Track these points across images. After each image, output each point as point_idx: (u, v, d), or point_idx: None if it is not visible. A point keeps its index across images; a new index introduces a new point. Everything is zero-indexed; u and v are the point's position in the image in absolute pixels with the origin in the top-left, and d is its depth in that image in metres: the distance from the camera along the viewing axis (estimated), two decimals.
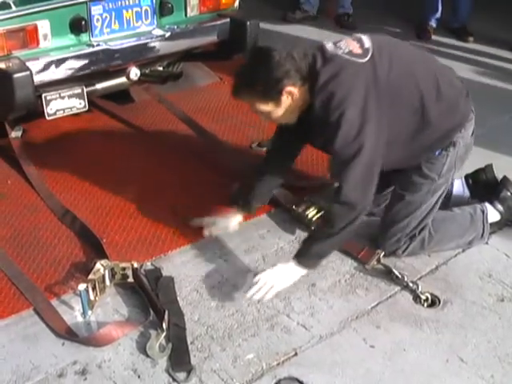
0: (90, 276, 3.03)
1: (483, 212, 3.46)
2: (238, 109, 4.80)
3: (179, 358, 2.76)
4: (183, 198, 3.82)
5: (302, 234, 3.49)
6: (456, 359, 2.80)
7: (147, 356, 2.76)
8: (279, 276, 3.03)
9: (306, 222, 3.56)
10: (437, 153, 3.14)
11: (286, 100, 2.92)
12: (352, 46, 2.96)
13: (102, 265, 3.08)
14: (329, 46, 2.97)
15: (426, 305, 3.09)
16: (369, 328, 2.94)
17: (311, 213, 3.58)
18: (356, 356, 2.80)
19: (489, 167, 3.79)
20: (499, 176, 3.76)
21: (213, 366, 2.73)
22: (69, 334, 2.87)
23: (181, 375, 2.68)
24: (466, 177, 3.77)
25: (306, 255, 3.06)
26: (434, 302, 3.11)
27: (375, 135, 2.88)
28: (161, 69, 4.67)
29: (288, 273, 3.05)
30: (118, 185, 3.97)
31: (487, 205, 3.51)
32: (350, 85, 2.88)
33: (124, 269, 3.11)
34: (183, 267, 3.29)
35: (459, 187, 3.72)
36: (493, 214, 3.52)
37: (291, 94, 2.91)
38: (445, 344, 2.88)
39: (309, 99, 2.94)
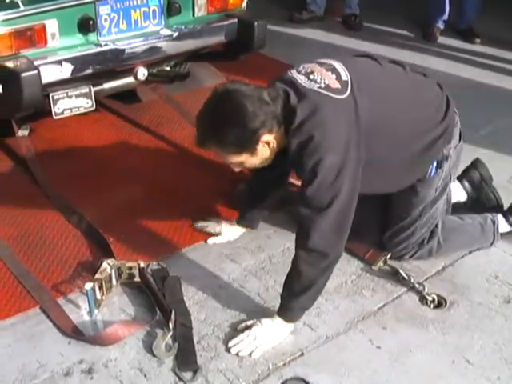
0: (97, 275, 3.04)
1: (494, 223, 3.44)
2: None
3: (185, 358, 2.76)
4: (190, 197, 3.83)
5: None
6: (462, 361, 2.80)
7: (153, 355, 2.76)
8: (268, 334, 2.83)
9: None
10: (432, 173, 3.06)
11: (262, 149, 2.70)
12: (328, 78, 2.72)
13: (109, 264, 3.09)
14: (301, 79, 2.72)
15: (432, 306, 3.09)
16: (375, 329, 2.94)
17: None
18: (362, 357, 2.80)
19: (477, 162, 3.78)
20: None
21: (219, 365, 2.73)
22: (75, 333, 2.87)
23: (187, 375, 2.69)
24: (459, 179, 3.74)
25: (289, 312, 2.86)
26: (440, 304, 3.11)
27: (353, 180, 2.68)
28: (168, 69, 4.66)
29: (277, 331, 2.85)
30: (125, 184, 3.99)
31: (499, 216, 3.49)
32: (329, 126, 2.63)
33: (130, 268, 3.12)
34: (189, 267, 3.30)
35: (455, 191, 3.67)
36: (504, 225, 3.49)
37: (268, 143, 2.69)
38: (451, 345, 2.87)
39: (285, 139, 2.71)
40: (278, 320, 2.86)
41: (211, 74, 5.43)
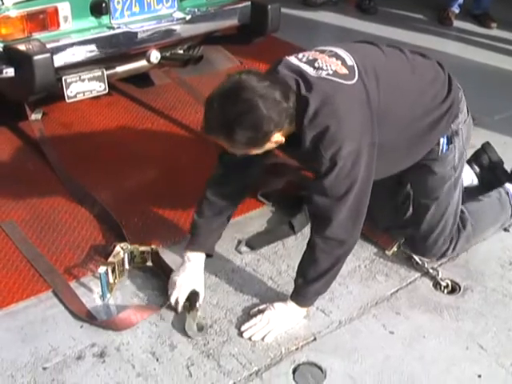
0: (110, 259, 3.04)
1: (508, 193, 3.44)
2: None
3: None
4: (203, 182, 3.81)
5: None
6: (476, 347, 2.78)
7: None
8: (281, 318, 2.82)
9: None
10: (444, 149, 3.00)
11: (270, 144, 2.59)
12: (334, 64, 2.63)
13: (122, 248, 3.08)
14: (306, 68, 2.61)
15: (446, 292, 3.08)
16: (388, 314, 2.93)
17: None
18: (375, 342, 2.79)
19: (487, 145, 3.77)
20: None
21: (231, 350, 2.73)
22: (88, 317, 2.87)
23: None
24: (469, 162, 3.72)
25: (302, 297, 2.84)
26: (454, 289, 3.09)
27: (368, 165, 2.63)
28: (181, 52, 4.65)
29: (290, 315, 2.84)
30: (138, 168, 3.99)
31: (508, 185, 3.48)
32: (343, 114, 2.55)
33: (143, 252, 3.11)
34: None
35: (467, 175, 3.66)
36: None
37: (277, 141, 2.57)
38: (465, 331, 2.86)
39: (293, 128, 2.59)
40: (291, 304, 2.84)
41: (224, 58, 5.42)
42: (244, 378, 2.61)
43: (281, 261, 3.23)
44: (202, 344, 2.75)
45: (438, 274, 3.12)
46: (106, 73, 4.03)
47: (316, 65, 2.63)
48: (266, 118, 2.44)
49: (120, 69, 4.30)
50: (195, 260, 2.98)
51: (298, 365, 2.67)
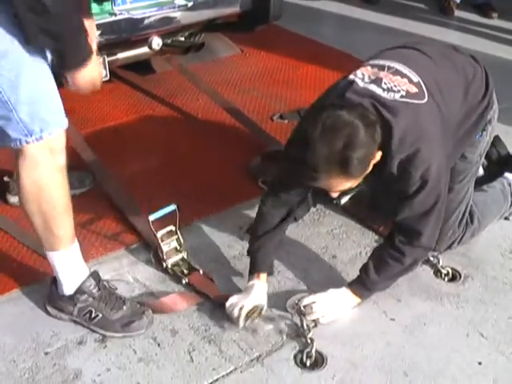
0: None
1: (510, 185, 3.44)
2: (259, 81, 4.89)
3: None
4: (204, 168, 3.83)
5: (322, 207, 3.50)
6: (476, 334, 2.79)
7: (167, 325, 2.77)
8: (333, 305, 2.81)
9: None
10: (477, 136, 3.02)
11: (370, 166, 2.55)
12: (402, 84, 2.60)
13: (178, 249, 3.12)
14: (375, 89, 2.56)
15: (446, 279, 3.08)
16: (389, 301, 2.93)
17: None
18: (376, 329, 2.79)
19: (497, 140, 3.75)
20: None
21: (233, 336, 2.73)
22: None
23: None
24: None
25: (368, 290, 2.86)
26: (454, 277, 3.09)
27: (446, 175, 2.74)
28: (182, 39, 4.65)
29: (342, 302, 2.83)
30: (140, 155, 4.00)
31: (509, 176, 3.49)
32: (429, 134, 2.59)
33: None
34: (205, 237, 3.30)
35: None
36: None
37: (375, 158, 2.52)
38: (465, 319, 2.86)
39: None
40: (344, 291, 2.86)
41: (226, 46, 5.43)
42: (245, 364, 2.62)
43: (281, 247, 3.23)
44: (203, 329, 2.76)
45: (438, 262, 3.12)
46: (107, 59, 4.04)
47: (384, 86, 2.59)
48: (369, 132, 2.42)
49: (121, 55, 4.31)
50: (259, 282, 2.89)
51: (299, 351, 2.67)
